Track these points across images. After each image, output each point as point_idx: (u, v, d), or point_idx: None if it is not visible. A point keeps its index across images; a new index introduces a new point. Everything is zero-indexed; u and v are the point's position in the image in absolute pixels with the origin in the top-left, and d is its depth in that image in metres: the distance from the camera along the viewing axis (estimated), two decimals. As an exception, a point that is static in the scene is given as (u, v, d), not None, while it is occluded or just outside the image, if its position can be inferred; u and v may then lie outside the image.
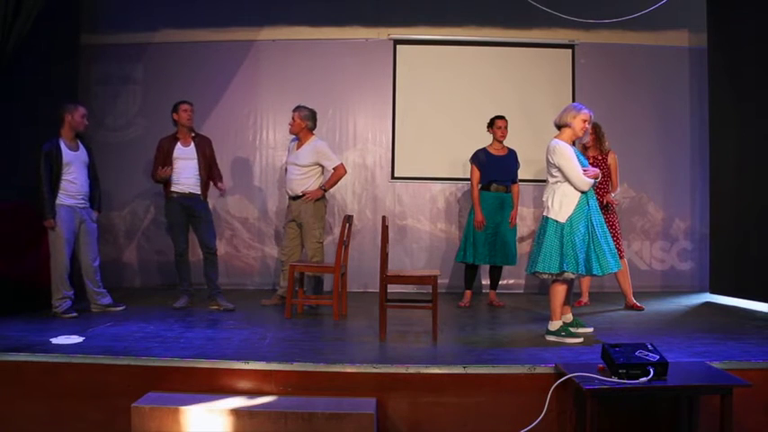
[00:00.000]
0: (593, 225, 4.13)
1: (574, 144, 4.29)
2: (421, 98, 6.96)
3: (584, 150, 5.64)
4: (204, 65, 6.90)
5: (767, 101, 5.62)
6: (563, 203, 4.13)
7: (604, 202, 5.46)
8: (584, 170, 4.15)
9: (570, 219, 4.10)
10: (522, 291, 6.87)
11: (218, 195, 5.80)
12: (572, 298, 4.56)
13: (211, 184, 5.60)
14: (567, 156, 4.12)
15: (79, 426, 3.47)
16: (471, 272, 5.86)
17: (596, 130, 5.55)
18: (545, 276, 4.21)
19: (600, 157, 5.58)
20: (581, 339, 4.18)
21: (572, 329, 4.29)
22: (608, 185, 5.57)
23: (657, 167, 6.91)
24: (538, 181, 6.75)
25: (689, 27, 6.97)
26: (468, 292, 5.83)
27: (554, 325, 4.26)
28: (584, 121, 4.22)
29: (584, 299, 5.82)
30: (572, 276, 4.15)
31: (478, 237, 5.66)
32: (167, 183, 5.42)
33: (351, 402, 3.28)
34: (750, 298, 5.79)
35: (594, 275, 4.17)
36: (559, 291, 4.25)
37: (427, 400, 3.42)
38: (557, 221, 4.13)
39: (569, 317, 4.43)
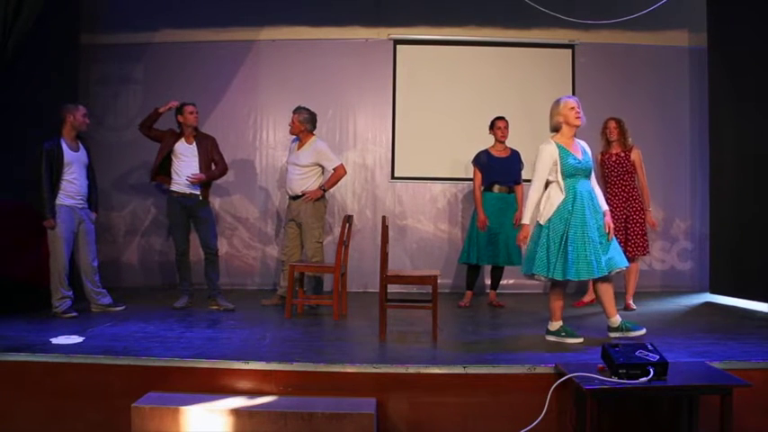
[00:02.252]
0: (569, 227, 4.02)
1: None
2: (421, 98, 6.96)
3: (607, 146, 5.61)
4: (204, 65, 6.90)
5: (767, 100, 5.62)
6: (545, 206, 4.13)
7: (647, 224, 5.52)
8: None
9: (549, 221, 4.08)
10: (522, 291, 6.86)
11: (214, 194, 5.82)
12: (573, 298, 4.53)
13: (212, 182, 5.62)
14: (541, 157, 4.12)
15: (79, 426, 3.47)
16: (474, 272, 5.85)
17: (620, 125, 5.55)
18: (542, 279, 4.18)
19: (623, 154, 5.56)
20: (581, 340, 4.15)
21: (617, 334, 4.22)
22: (633, 181, 5.54)
23: (657, 167, 6.90)
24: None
25: (689, 27, 6.97)
26: (468, 293, 5.83)
27: (554, 325, 4.25)
28: (572, 108, 4.16)
29: (588, 297, 5.78)
30: (542, 279, 4.13)
31: (482, 238, 5.65)
32: (168, 179, 5.43)
33: (351, 402, 3.28)
34: (750, 298, 5.79)
35: (568, 280, 4.09)
36: (555, 292, 4.24)
37: (427, 400, 3.42)
38: (539, 223, 4.14)
39: (617, 319, 4.26)
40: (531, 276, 4.21)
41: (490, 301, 5.88)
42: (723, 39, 6.29)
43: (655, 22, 6.40)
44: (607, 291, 4.21)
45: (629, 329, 4.22)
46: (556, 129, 4.24)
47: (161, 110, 5.42)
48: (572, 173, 4.10)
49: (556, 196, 4.09)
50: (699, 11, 6.64)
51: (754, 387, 3.16)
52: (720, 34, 6.35)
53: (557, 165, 4.09)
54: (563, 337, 4.18)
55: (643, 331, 4.19)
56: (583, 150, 4.22)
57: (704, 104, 6.65)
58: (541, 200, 4.16)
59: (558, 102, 4.26)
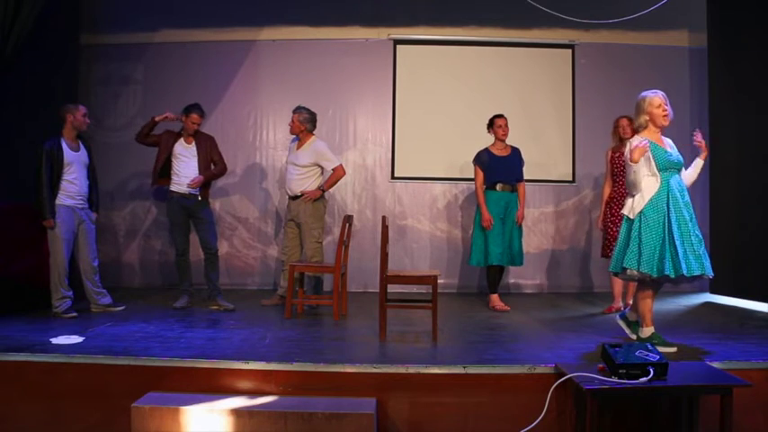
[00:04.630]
0: (669, 223, 3.82)
1: (661, 131, 4.01)
2: (421, 98, 6.96)
3: (619, 144, 5.40)
4: (204, 65, 6.91)
5: (767, 100, 5.62)
6: (635, 199, 3.91)
7: None
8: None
9: (640, 214, 3.86)
10: (522, 291, 6.86)
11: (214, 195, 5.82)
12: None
13: (214, 181, 5.62)
14: (630, 149, 3.93)
15: (79, 426, 3.46)
16: (495, 273, 5.75)
17: (633, 123, 5.38)
18: (620, 276, 4.01)
19: None
20: (674, 349, 3.86)
21: (623, 323, 4.16)
22: None
23: (657, 167, 6.91)
24: (536, 181, 6.75)
25: (689, 27, 6.97)
26: (496, 296, 5.71)
27: (645, 332, 3.96)
28: (658, 106, 3.94)
29: (618, 303, 5.48)
30: (636, 275, 3.87)
31: (490, 237, 5.59)
32: (164, 176, 5.43)
33: (351, 402, 3.28)
34: (750, 298, 5.79)
35: (666, 277, 3.82)
36: (644, 294, 3.96)
37: (427, 400, 3.41)
38: (628, 217, 3.94)
39: (635, 315, 4.14)
40: (620, 274, 3.99)
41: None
42: (723, 39, 6.29)
43: (655, 22, 6.40)
44: (651, 296, 4.01)
45: (632, 327, 4.18)
46: (642, 127, 4.02)
47: (157, 119, 5.42)
48: (666, 166, 3.91)
49: (648, 189, 3.87)
50: (699, 11, 6.65)
51: (754, 387, 3.16)
52: (720, 34, 6.35)
53: (650, 159, 3.89)
54: (655, 345, 3.60)
55: (635, 338, 4.06)
56: (671, 146, 4.04)
57: (704, 104, 6.65)
58: (629, 195, 3.98)
59: (643, 98, 4.02)
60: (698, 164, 4.11)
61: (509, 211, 5.68)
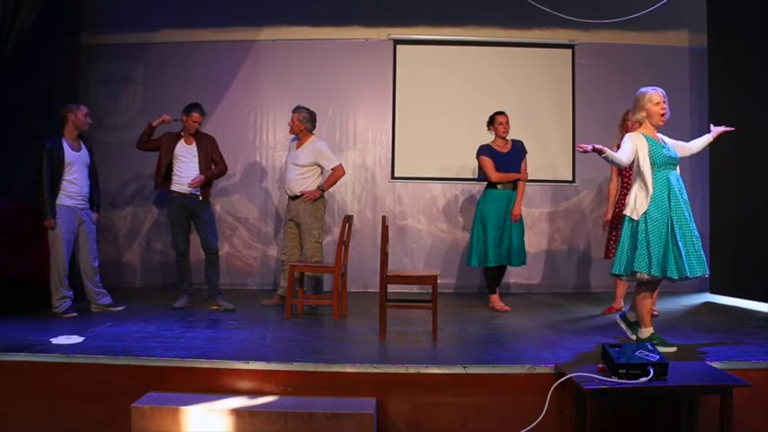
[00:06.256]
0: (672, 223, 3.78)
1: (657, 129, 3.97)
2: (421, 98, 6.96)
3: None
4: (204, 65, 6.91)
5: (767, 100, 5.62)
6: (637, 198, 3.85)
7: None
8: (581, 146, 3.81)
9: (645, 215, 3.81)
10: (522, 291, 6.86)
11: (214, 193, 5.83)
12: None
13: (214, 182, 5.62)
14: (624, 142, 3.90)
15: (79, 426, 3.47)
16: (495, 273, 5.72)
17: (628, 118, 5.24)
18: (624, 278, 3.97)
19: None
20: (674, 349, 3.86)
21: (623, 324, 4.13)
22: None
23: (657, 167, 6.90)
24: (536, 181, 6.74)
25: (689, 27, 6.97)
26: (495, 297, 5.67)
27: (644, 333, 3.94)
28: (657, 103, 3.90)
29: (618, 304, 5.39)
30: (645, 277, 3.82)
31: (489, 237, 5.54)
32: (168, 179, 5.43)
33: (351, 402, 3.28)
34: (750, 298, 5.79)
35: (670, 279, 3.80)
36: (643, 295, 3.94)
37: (427, 400, 3.42)
38: (631, 218, 3.88)
39: (634, 315, 4.10)
40: (626, 276, 3.92)
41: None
42: (723, 39, 6.29)
43: (655, 22, 6.41)
44: (651, 297, 4.00)
45: (632, 328, 4.17)
46: (640, 123, 3.99)
47: (154, 123, 5.45)
48: (664, 162, 3.86)
49: (648, 188, 3.83)
50: (699, 11, 6.64)
51: (754, 387, 3.17)
52: (720, 34, 6.34)
53: (645, 155, 3.84)
54: (655, 345, 3.55)
55: (634, 338, 4.06)
56: (665, 141, 4.00)
57: (704, 104, 6.64)
58: (630, 193, 3.93)
59: (642, 94, 3.99)
60: (707, 138, 4.21)
61: (510, 209, 5.62)
